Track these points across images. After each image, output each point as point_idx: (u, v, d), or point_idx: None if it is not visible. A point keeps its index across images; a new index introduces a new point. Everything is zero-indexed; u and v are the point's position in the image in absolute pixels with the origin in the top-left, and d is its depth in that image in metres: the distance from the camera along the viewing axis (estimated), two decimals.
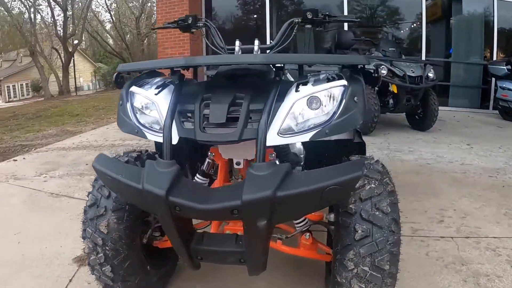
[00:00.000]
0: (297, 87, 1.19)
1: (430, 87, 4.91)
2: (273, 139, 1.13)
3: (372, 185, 1.20)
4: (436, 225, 2.34)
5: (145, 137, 1.30)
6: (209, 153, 1.54)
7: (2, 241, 2.35)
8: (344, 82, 1.17)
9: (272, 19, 7.98)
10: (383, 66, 4.78)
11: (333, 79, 1.20)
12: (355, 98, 1.16)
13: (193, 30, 1.76)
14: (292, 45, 8.49)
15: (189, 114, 1.24)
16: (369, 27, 8.27)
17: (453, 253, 2.00)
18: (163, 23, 1.83)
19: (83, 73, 33.44)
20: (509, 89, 5.87)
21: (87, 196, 1.52)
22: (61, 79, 23.66)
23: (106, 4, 30.49)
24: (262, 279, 1.75)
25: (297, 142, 1.18)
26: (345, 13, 7.52)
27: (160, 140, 1.20)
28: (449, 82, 7.25)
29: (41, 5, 23.84)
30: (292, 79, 1.77)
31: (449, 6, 7.39)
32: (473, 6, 7.18)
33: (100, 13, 31.56)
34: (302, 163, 2.00)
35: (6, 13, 21.28)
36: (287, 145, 1.64)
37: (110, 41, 30.94)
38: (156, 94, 1.30)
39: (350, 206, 1.18)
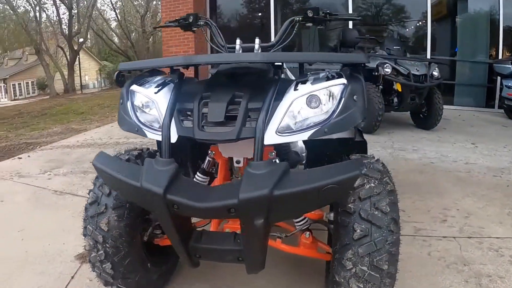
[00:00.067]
0: (296, 85, 1.19)
1: (434, 85, 4.87)
2: (271, 137, 1.13)
3: (372, 184, 1.19)
4: (439, 225, 2.33)
5: (145, 135, 1.31)
6: (210, 152, 1.54)
7: (6, 238, 2.37)
8: (343, 80, 1.16)
9: (277, 17, 7.97)
10: (387, 65, 4.75)
11: (333, 78, 1.19)
12: (355, 97, 1.15)
13: (194, 29, 1.76)
14: (296, 43, 8.50)
15: (189, 113, 1.24)
16: (374, 25, 8.23)
17: (455, 253, 1.98)
18: (165, 22, 1.83)
19: (89, 71, 33.64)
20: None
21: (88, 194, 1.53)
22: (66, 77, 23.80)
23: (111, 2, 30.56)
24: (261, 277, 1.75)
25: (295, 140, 1.17)
26: (350, 11, 7.49)
27: (159, 138, 1.21)
28: (454, 80, 7.19)
29: (46, 3, 24.07)
30: (293, 78, 1.77)
31: (454, 4, 7.33)
32: (478, 4, 7.12)
33: (105, 11, 31.71)
34: (304, 162, 2.00)
35: (11, 11, 21.42)
36: (288, 143, 1.64)
37: (116, 39, 31.07)
38: (155, 93, 1.30)
39: (349, 205, 1.18)
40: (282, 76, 1.63)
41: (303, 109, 1.15)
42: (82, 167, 3.81)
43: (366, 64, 1.23)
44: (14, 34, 25.33)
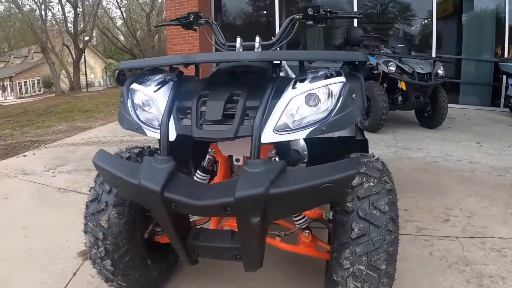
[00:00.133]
0: (294, 84, 1.19)
1: (439, 84, 4.83)
2: (268, 136, 1.13)
3: (371, 183, 1.19)
4: (441, 224, 2.31)
5: (144, 133, 1.31)
6: (210, 150, 1.54)
7: (9, 235, 2.39)
8: (342, 79, 1.16)
9: (282, 15, 7.95)
10: (391, 63, 4.72)
11: (332, 76, 1.19)
12: (353, 95, 1.15)
13: (195, 27, 1.76)
14: (302, 41, 8.48)
15: (188, 111, 1.25)
16: (379, 24, 8.19)
17: (457, 253, 1.97)
18: (168, 20, 1.84)
19: (94, 69, 33.82)
20: None
21: (89, 191, 1.54)
22: (72, 75, 23.94)
23: (116, 0, 30.65)
24: (262, 275, 1.75)
25: (293, 139, 1.17)
26: (355, 9, 7.44)
27: (158, 136, 1.21)
28: (460, 79, 7.13)
29: (51, 2, 24.20)
30: (294, 76, 1.76)
31: (460, 2, 7.26)
32: (484, 2, 7.04)
33: (110, 10, 31.82)
34: (306, 160, 2.00)
35: (17, 10, 21.57)
36: (288, 142, 1.64)
37: (121, 38, 31.19)
38: (155, 91, 1.31)
39: (347, 204, 1.17)
40: (282, 74, 1.63)
41: (301, 107, 1.14)
42: (86, 165, 3.83)
43: (366, 62, 1.22)
44: (20, 32, 25.55)
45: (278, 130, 1.14)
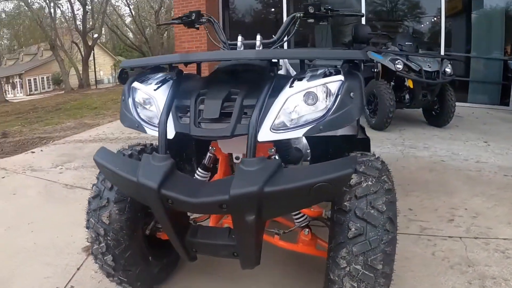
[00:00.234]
0: (292, 82, 1.19)
1: (447, 82, 4.78)
2: (265, 134, 1.14)
3: (369, 183, 1.18)
4: (445, 224, 2.29)
5: (144, 131, 1.33)
6: (210, 147, 1.55)
7: (16, 230, 2.44)
8: (340, 77, 1.16)
9: (290, 12, 7.91)
10: (399, 61, 4.68)
11: (331, 74, 1.18)
12: (351, 94, 1.14)
13: (197, 26, 1.77)
14: (310, 39, 8.45)
15: (187, 109, 1.26)
16: (388, 21, 8.12)
17: (460, 253, 1.95)
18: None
19: (103, 67, 34.09)
20: None
21: (91, 187, 1.57)
22: (81, 72, 24.16)
23: None
24: (261, 273, 1.76)
25: (290, 138, 1.17)
26: (363, 6, 7.40)
27: (157, 134, 1.22)
28: (469, 77, 7.03)
29: (60, 0, 24.34)
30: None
31: (469, 0, 7.16)
32: (494, 0, 6.93)
33: (119, 7, 32.02)
34: (309, 158, 2.00)
35: (26, 8, 21.80)
36: (288, 140, 1.64)
37: (130, 35, 31.36)
38: (155, 90, 1.32)
39: (345, 203, 1.17)
40: (283, 72, 1.63)
41: (298, 106, 1.14)
42: (93, 162, 3.86)
43: (365, 60, 1.22)
44: (29, 30, 25.84)
45: (275, 128, 1.14)
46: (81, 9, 23.30)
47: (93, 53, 25.66)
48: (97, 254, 1.50)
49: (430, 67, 4.64)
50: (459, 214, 2.42)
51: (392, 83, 4.89)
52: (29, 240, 2.28)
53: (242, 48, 1.56)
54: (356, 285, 1.13)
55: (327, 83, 1.14)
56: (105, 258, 1.47)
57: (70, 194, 3.06)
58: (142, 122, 1.34)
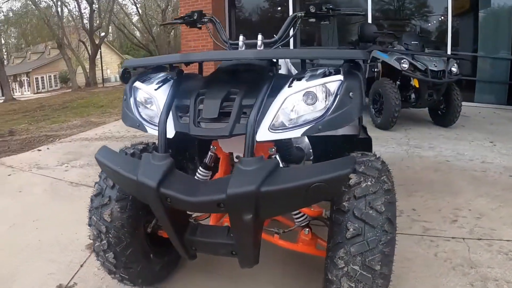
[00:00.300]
0: (291, 82, 1.19)
1: (453, 82, 4.74)
2: (264, 134, 1.14)
3: (368, 183, 1.18)
4: (448, 225, 2.28)
5: (145, 130, 1.34)
6: (212, 147, 1.56)
7: (21, 227, 2.47)
8: (339, 77, 1.15)
9: (296, 11, 7.90)
10: (404, 60, 4.65)
11: (330, 74, 1.18)
12: (351, 94, 1.14)
13: (199, 26, 1.78)
14: (316, 38, 8.43)
15: (187, 109, 1.26)
16: (394, 20, 8.07)
17: (462, 254, 1.94)
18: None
19: (110, 65, 34.30)
20: None
21: (94, 186, 1.58)
22: (88, 71, 24.32)
23: None
24: (261, 272, 1.77)
25: (288, 137, 1.17)
26: (369, 5, 7.36)
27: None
28: (475, 77, 6.96)
29: None
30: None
31: None
32: None
33: (126, 6, 32.14)
34: (311, 158, 2.00)
35: (34, 7, 21.99)
36: (289, 139, 1.64)
37: (137, 34, 31.47)
38: (155, 90, 1.33)
39: (344, 203, 1.17)
40: (284, 72, 1.63)
41: (297, 106, 1.15)
42: None
43: (366, 60, 1.21)
44: (36, 28, 26.03)
45: (273, 128, 1.15)
46: (88, 8, 23.44)
47: (100, 52, 25.80)
48: (99, 251, 1.52)
49: (436, 66, 4.60)
50: (463, 215, 2.40)
51: (398, 82, 4.86)
52: (34, 237, 2.31)
53: (243, 48, 1.56)
54: (354, 286, 1.13)
55: (326, 83, 1.14)
56: (106, 255, 1.49)
57: (75, 192, 3.09)
58: (143, 121, 1.36)
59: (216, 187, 1.07)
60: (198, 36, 7.58)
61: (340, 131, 1.65)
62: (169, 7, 27.35)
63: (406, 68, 4.64)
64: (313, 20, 1.56)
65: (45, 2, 23.62)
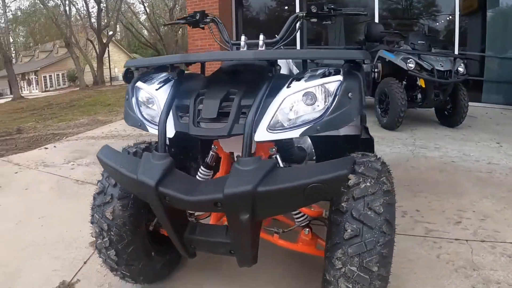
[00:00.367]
0: (290, 83, 1.19)
1: (460, 82, 4.69)
2: (262, 134, 1.14)
3: (367, 184, 1.18)
4: (452, 227, 2.26)
5: (146, 130, 1.35)
6: (213, 146, 1.57)
7: (27, 224, 2.50)
8: (339, 77, 1.15)
9: (303, 10, 7.88)
10: (410, 60, 4.62)
11: (330, 75, 1.18)
12: (350, 94, 1.14)
13: (202, 26, 1.79)
14: (323, 37, 8.41)
15: (187, 109, 1.27)
16: (402, 19, 8.02)
17: (465, 256, 1.92)
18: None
19: (118, 64, 34.45)
20: None
21: (97, 184, 1.60)
22: (95, 69, 24.50)
23: None
24: (261, 271, 1.77)
25: (287, 137, 1.17)
26: (376, 5, 7.32)
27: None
28: (483, 77, 6.88)
29: None
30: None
31: None
32: None
33: (134, 5, 32.29)
34: (314, 158, 2.00)
35: (42, 6, 22.20)
36: (291, 139, 1.64)
37: (145, 32, 31.61)
38: (156, 90, 1.35)
39: (342, 204, 1.17)
40: (285, 72, 1.63)
41: (296, 106, 1.15)
42: None
43: (366, 60, 1.21)
44: (44, 27, 26.32)
45: (271, 128, 1.15)
46: (96, 7, 23.60)
47: (108, 50, 25.98)
48: (101, 249, 1.54)
49: (442, 66, 4.56)
50: (467, 216, 2.38)
51: (404, 82, 4.83)
52: (39, 234, 2.34)
53: (245, 48, 1.57)
54: (351, 287, 1.13)
55: (325, 83, 1.14)
56: (108, 252, 1.51)
57: (81, 190, 3.12)
58: (145, 121, 1.37)
59: (214, 186, 1.08)
60: (204, 35, 7.59)
61: (342, 131, 1.65)
62: (176, 6, 27.42)
63: (412, 68, 4.61)
64: (314, 20, 1.56)
65: (53, 1, 23.81)
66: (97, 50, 24.82)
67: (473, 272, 1.78)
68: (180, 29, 28.25)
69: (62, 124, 6.97)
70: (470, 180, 3.04)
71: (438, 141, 4.28)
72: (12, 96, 18.58)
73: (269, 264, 1.82)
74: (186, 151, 1.90)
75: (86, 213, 2.58)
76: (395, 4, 8.03)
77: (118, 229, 1.47)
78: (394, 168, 3.28)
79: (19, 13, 25.16)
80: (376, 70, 4.48)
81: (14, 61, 25.27)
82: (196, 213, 1.61)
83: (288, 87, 1.17)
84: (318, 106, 1.14)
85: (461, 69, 4.65)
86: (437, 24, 7.77)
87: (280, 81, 1.22)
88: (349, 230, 1.13)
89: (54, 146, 4.69)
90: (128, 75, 1.48)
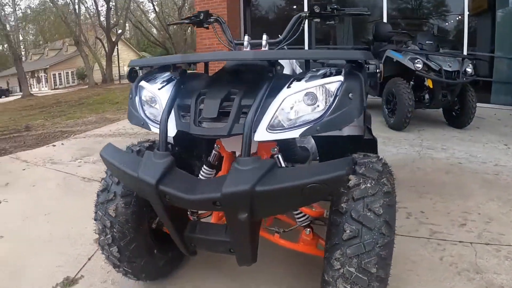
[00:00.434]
0: (291, 83, 1.19)
1: (468, 82, 4.65)
2: (261, 134, 1.15)
3: (368, 185, 1.17)
4: (456, 229, 2.24)
5: (149, 129, 1.37)
6: (215, 145, 1.57)
7: (33, 220, 2.54)
8: (339, 78, 1.15)
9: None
10: (418, 60, 4.58)
11: (331, 75, 1.18)
12: (350, 95, 1.14)
13: (206, 25, 1.80)
14: (332, 36, 8.38)
15: (189, 108, 1.28)
16: (410, 19, 7.96)
17: (469, 259, 1.90)
18: None
19: (127, 62, 34.43)
20: None
21: (100, 181, 1.62)
22: (104, 67, 24.70)
23: None
24: (263, 270, 1.78)
25: (286, 138, 1.17)
26: (385, 5, 7.28)
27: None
28: (492, 78, 6.79)
29: None
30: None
31: None
32: None
33: (143, 3, 32.46)
34: (318, 158, 2.00)
35: (51, 4, 22.43)
36: (293, 139, 1.64)
37: (154, 31, 31.77)
38: (159, 89, 1.36)
39: (342, 204, 1.17)
40: (288, 72, 1.63)
41: (296, 106, 1.15)
42: None
43: (367, 60, 1.21)
44: (54, 25, 26.64)
45: (271, 128, 1.15)
46: (105, 6, 23.80)
47: (117, 49, 26.18)
48: (103, 245, 1.56)
49: (450, 66, 4.52)
50: (472, 219, 2.36)
51: (412, 82, 4.79)
52: (45, 231, 2.37)
53: (248, 48, 1.57)
54: (349, 287, 1.13)
55: (325, 83, 1.14)
56: (111, 249, 1.53)
57: (87, 187, 3.15)
58: (148, 120, 1.39)
59: (213, 185, 1.09)
60: (212, 34, 7.53)
61: (345, 132, 1.65)
62: (185, 4, 27.51)
63: (420, 68, 4.57)
64: (318, 20, 1.56)
65: None
66: (106, 49, 25.04)
67: (476, 275, 1.77)
68: (189, 28, 28.31)
69: (70, 122, 7.05)
70: (477, 182, 3.00)
71: (445, 142, 4.24)
72: (21, 93, 18.81)
73: (270, 264, 1.82)
74: (190, 150, 1.91)
75: (92, 210, 2.61)
76: (404, 3, 7.97)
77: (120, 226, 1.49)
78: (400, 169, 3.29)
79: (29, 11, 25.48)
80: (377, 70, 4.43)
81: (23, 59, 25.61)
82: (200, 212, 1.62)
83: (288, 87, 1.18)
84: (318, 106, 1.14)
85: (469, 70, 4.60)
86: (446, 24, 7.69)
87: (281, 81, 1.22)
88: (348, 231, 1.13)
89: (62, 144, 4.74)
90: (132, 75, 1.50)
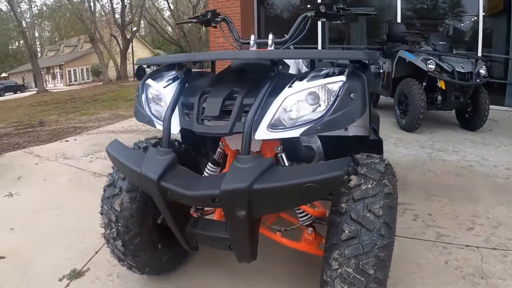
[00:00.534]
0: (293, 82, 1.20)
1: (481, 84, 4.56)
2: (262, 133, 1.16)
3: (369, 186, 1.17)
4: (464, 232, 2.21)
5: (154, 126, 1.39)
6: (220, 143, 1.59)
7: (43, 214, 2.60)
8: (341, 78, 1.15)
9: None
10: (431, 61, 4.52)
11: (334, 75, 1.18)
12: (352, 95, 1.14)
13: (214, 25, 1.82)
14: (346, 36, 8.32)
15: (193, 106, 1.30)
16: (424, 19, 7.85)
17: (475, 264, 1.88)
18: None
19: None
20: None
21: (107, 176, 1.65)
22: (119, 65, 24.99)
23: None
24: (264, 270, 1.79)
25: (287, 137, 1.18)
26: (399, 5, 7.20)
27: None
28: (506, 80, 6.65)
29: None
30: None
31: None
32: None
33: (158, 1, 32.73)
34: (324, 158, 2.00)
35: (67, 1, 22.77)
36: (297, 138, 1.65)
37: (169, 29, 31.99)
38: (164, 87, 1.38)
39: (342, 204, 1.17)
40: (293, 72, 1.64)
41: (296, 106, 1.16)
42: None
43: (368, 61, 1.21)
44: (69, 22, 27.05)
45: (272, 127, 1.17)
46: (120, 3, 24.06)
47: (132, 46, 26.46)
48: (109, 239, 1.59)
49: (463, 68, 4.44)
50: (480, 223, 2.33)
51: (424, 83, 4.73)
52: (54, 224, 2.43)
53: (254, 47, 1.58)
54: None
55: (327, 83, 1.15)
56: (115, 243, 1.56)
57: (98, 182, 3.19)
58: (153, 117, 1.41)
59: (212, 182, 1.11)
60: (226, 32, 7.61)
61: (351, 132, 1.65)
62: (200, 2, 27.61)
63: (432, 69, 4.51)
64: (323, 19, 1.56)
65: None
66: (121, 46, 25.33)
67: (481, 280, 1.75)
68: (203, 26, 28.37)
69: (84, 118, 7.16)
70: (487, 185, 2.96)
71: (457, 144, 4.18)
72: (36, 89, 19.16)
73: (272, 262, 1.83)
74: (198, 148, 1.93)
75: None
76: (419, 4, 7.87)
77: (125, 221, 1.52)
78: (410, 170, 3.26)
79: (44, 8, 25.93)
80: (380, 70, 4.41)
81: (39, 55, 26.07)
82: (205, 208, 1.64)
83: (290, 86, 1.19)
84: (319, 106, 1.15)
85: (482, 71, 4.51)
86: (461, 25, 7.56)
87: (283, 81, 1.23)
88: (346, 231, 1.13)
89: (75, 139, 4.82)
90: (140, 73, 1.53)
